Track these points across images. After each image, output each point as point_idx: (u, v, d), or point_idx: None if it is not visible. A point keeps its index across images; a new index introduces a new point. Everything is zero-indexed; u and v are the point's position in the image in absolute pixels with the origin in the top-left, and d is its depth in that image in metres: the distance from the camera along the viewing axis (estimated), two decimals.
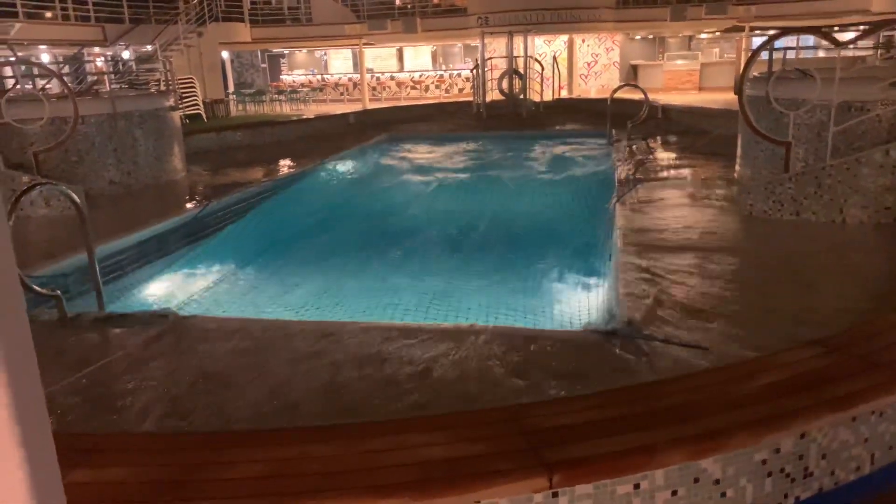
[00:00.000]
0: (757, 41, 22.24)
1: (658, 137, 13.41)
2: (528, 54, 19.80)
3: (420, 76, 29.35)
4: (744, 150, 8.63)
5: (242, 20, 24.46)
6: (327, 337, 4.19)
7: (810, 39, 9.43)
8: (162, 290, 6.77)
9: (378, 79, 29.20)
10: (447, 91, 28.64)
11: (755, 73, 7.94)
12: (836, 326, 3.70)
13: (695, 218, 6.90)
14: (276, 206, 9.73)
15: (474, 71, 20.06)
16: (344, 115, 18.98)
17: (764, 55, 7.60)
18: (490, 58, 20.03)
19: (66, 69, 17.84)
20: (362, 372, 3.66)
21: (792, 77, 7.61)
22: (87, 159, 9.72)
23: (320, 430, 2.84)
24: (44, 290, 4.80)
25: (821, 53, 14.21)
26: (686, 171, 9.72)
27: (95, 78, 17.17)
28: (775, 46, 7.72)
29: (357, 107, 22.90)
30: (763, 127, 7.21)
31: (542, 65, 20.25)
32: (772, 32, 7.76)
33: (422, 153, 14.90)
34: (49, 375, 3.83)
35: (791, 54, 8.12)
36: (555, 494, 2.32)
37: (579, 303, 5.94)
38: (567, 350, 3.81)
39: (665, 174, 9.48)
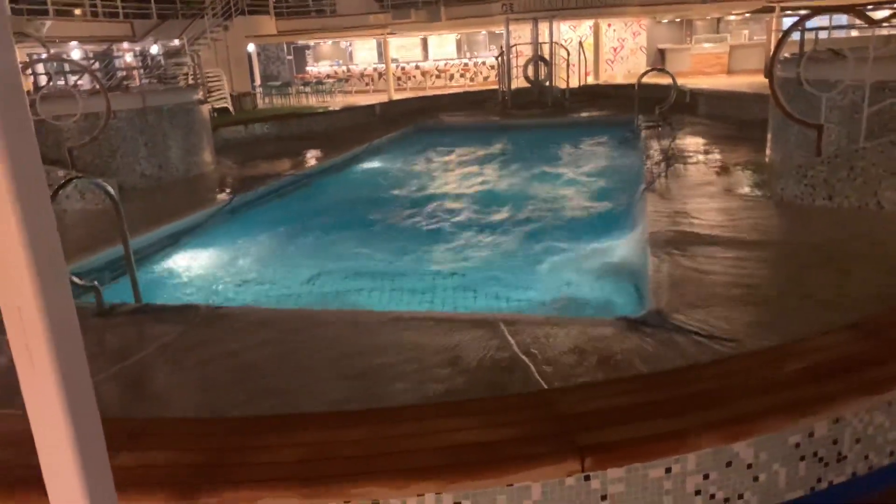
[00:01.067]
0: (788, 21, 21.80)
1: (686, 122, 13.25)
2: (554, 40, 19.64)
3: (445, 65, 29.28)
4: (774, 134, 8.50)
5: (268, 13, 24.61)
6: (357, 325, 4.25)
7: (843, 18, 9.20)
8: (196, 280, 6.89)
9: (403, 68, 29.19)
10: (472, 80, 28.54)
11: (786, 55, 7.80)
12: (870, 312, 3.66)
13: (724, 203, 6.83)
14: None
15: (499, 59, 19.96)
16: (370, 107, 19.04)
17: (795, 36, 7.47)
18: (515, 45, 19.92)
19: (97, 65, 18.12)
20: (393, 359, 3.71)
21: (824, 58, 7.46)
22: (120, 153, 9.90)
23: (353, 414, 2.90)
24: (82, 282, 4.92)
25: (854, 33, 13.89)
26: (715, 156, 9.61)
27: (125, 73, 17.46)
28: (807, 26, 7.57)
29: (382, 97, 22.95)
30: (794, 109, 7.10)
31: (567, 51, 20.08)
32: (803, 12, 7.62)
33: (452, 143, 14.92)
34: (89, 364, 3.93)
35: (823, 34, 7.94)
36: (587, 478, 2.34)
37: (608, 290, 5.92)
38: (597, 338, 3.81)
39: (693, 159, 9.37)
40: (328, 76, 29.08)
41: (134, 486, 2.18)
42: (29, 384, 1.51)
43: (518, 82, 19.48)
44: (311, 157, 12.38)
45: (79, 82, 12.00)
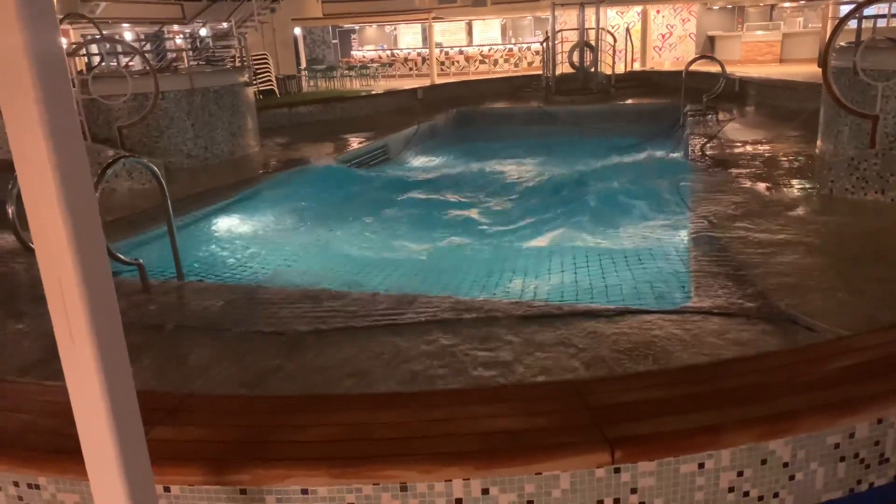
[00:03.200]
0: (844, 9, 21.02)
1: (735, 111, 12.93)
2: (600, 26, 19.32)
3: (489, 50, 29.07)
4: (826, 125, 8.23)
5: None
6: (401, 305, 4.27)
7: None
8: (241, 257, 7.01)
9: (447, 53, 29.08)
10: (516, 65, 28.28)
11: (841, 43, 7.53)
12: None
13: (772, 195, 6.66)
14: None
15: (544, 44, 19.73)
16: (413, 91, 19.04)
17: (852, 23, 7.20)
18: (561, 30, 19.65)
19: (148, 46, 18.48)
20: (431, 344, 3.72)
21: (882, 46, 7.19)
22: (167, 134, 10.10)
23: (388, 396, 2.92)
24: (127, 259, 5.04)
25: None
26: (763, 147, 9.36)
27: (174, 55, 17.75)
28: (864, 14, 7.30)
29: (426, 81, 22.91)
30: (849, 100, 6.86)
31: (614, 37, 19.73)
32: None
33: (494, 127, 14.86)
34: (130, 339, 4.04)
35: (882, 22, 7.65)
36: (617, 470, 2.32)
37: (651, 280, 5.84)
38: (637, 329, 3.77)
39: (741, 150, 9.16)
40: (372, 60, 29.13)
41: (169, 460, 2.23)
42: (69, 357, 1.56)
43: (562, 68, 19.24)
44: (354, 140, 12.45)
45: (129, 63, 12.27)
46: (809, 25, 25.69)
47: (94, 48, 13.53)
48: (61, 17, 14.11)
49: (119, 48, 12.98)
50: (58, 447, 2.27)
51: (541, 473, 2.28)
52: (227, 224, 7.69)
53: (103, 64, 11.64)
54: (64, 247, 1.48)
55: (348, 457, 2.29)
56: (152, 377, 3.51)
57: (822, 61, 7.02)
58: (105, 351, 1.55)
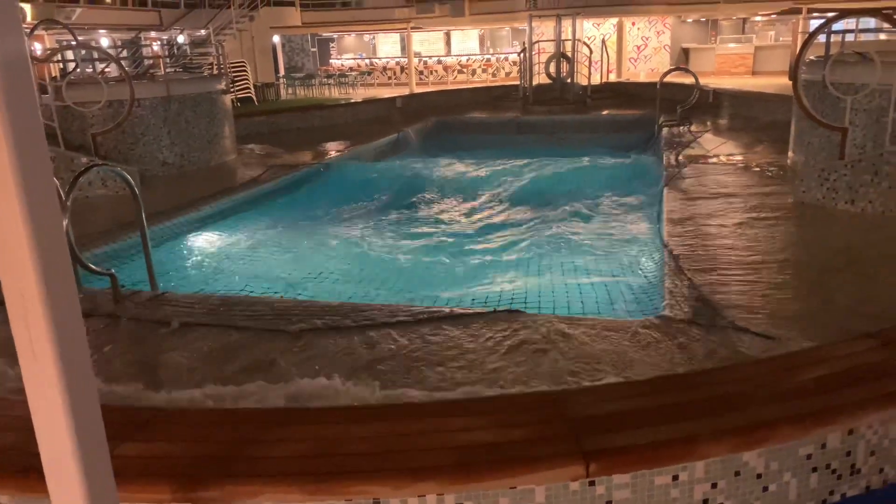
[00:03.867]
0: (814, 24, 21.45)
1: (708, 122, 13.10)
2: (577, 38, 19.50)
3: (467, 60, 29.22)
4: (797, 136, 8.37)
5: (293, 4, 24.68)
6: (373, 317, 4.24)
7: (871, 22, 9.04)
8: (212, 266, 6.93)
9: (425, 63, 29.17)
10: (494, 75, 28.44)
11: (811, 57, 7.67)
12: (893, 319, 3.58)
13: (745, 205, 6.74)
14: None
15: (521, 55, 19.86)
16: (391, 99, 19.05)
17: (821, 38, 7.34)
18: (538, 41, 19.79)
19: (124, 53, 18.29)
20: (407, 354, 3.70)
21: (850, 60, 7.33)
22: (143, 141, 9.98)
23: (360, 410, 2.89)
24: (99, 269, 4.96)
25: (882, 36, 13.64)
26: (737, 157, 9.49)
27: (151, 62, 17.59)
28: (833, 29, 7.44)
29: (404, 90, 22.94)
30: (819, 112, 6.98)
31: (590, 48, 19.92)
32: (830, 14, 7.48)
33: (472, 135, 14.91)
34: (100, 351, 3.97)
35: (850, 37, 7.80)
36: (591, 483, 2.31)
37: (624, 291, 5.87)
38: (613, 337, 3.78)
39: (715, 160, 9.27)
40: (351, 69, 29.13)
41: (137, 477, 2.18)
42: (30, 374, 1.51)
43: (540, 78, 19.37)
44: (331, 149, 12.40)
45: (105, 70, 12.13)
46: (780, 39, 26.21)
47: (69, 54, 13.35)
48: (36, 22, 13.92)
49: (94, 54, 12.83)
50: (21, 465, 2.21)
51: (516, 487, 2.27)
52: (205, 237, 7.61)
53: (78, 70, 11.48)
54: (26, 258, 1.44)
55: (321, 472, 2.25)
56: (120, 389, 3.44)
57: (793, 74, 7.13)
58: (69, 367, 1.51)
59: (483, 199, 9.89)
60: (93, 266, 4.95)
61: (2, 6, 1.38)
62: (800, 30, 22.34)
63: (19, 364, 1.51)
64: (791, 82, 7.30)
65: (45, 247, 1.45)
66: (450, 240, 7.82)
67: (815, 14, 21.29)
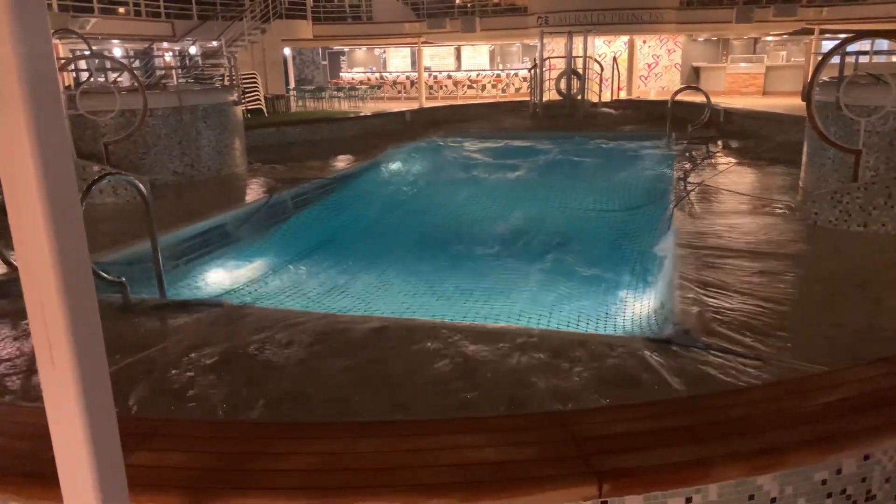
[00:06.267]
0: (827, 45, 21.48)
1: (719, 142, 13.09)
2: (588, 54, 19.59)
3: (477, 75, 29.35)
4: (809, 158, 8.35)
5: (305, 17, 24.89)
6: (377, 332, 4.23)
7: (885, 44, 9.05)
8: (221, 278, 6.94)
9: (435, 77, 29.32)
10: (504, 91, 28.56)
11: (824, 78, 7.67)
12: None
13: (756, 226, 6.71)
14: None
15: (532, 71, 19.94)
16: (401, 113, 19.13)
17: (835, 59, 7.34)
18: (548, 58, 19.89)
19: (137, 63, 18.46)
20: (410, 368, 3.68)
21: (864, 82, 7.33)
22: (154, 151, 10.04)
23: (370, 425, 2.87)
24: (109, 277, 4.97)
25: (895, 58, 13.63)
26: (747, 178, 9.47)
27: (163, 72, 17.74)
28: (847, 50, 7.45)
29: (414, 104, 23.05)
30: (832, 134, 6.97)
31: (601, 65, 20.00)
32: (844, 36, 7.49)
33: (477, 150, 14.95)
34: (111, 359, 3.97)
35: (864, 58, 7.81)
36: (604, 503, 2.29)
37: (632, 309, 5.85)
38: (619, 357, 3.75)
39: (725, 180, 9.25)
40: (361, 82, 29.30)
41: (145, 487, 2.17)
42: (48, 381, 1.51)
43: (550, 95, 19.44)
44: (341, 161, 12.44)
45: (118, 79, 12.23)
46: (792, 59, 26.25)
47: (82, 64, 13.48)
48: (51, 31, 14.05)
49: (108, 64, 12.94)
50: (32, 471, 2.21)
51: None
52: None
53: (91, 79, 11.57)
54: (48, 267, 1.44)
55: (327, 487, 2.24)
56: (129, 399, 3.43)
57: (807, 96, 7.13)
58: (86, 375, 1.51)
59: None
60: (103, 273, 4.96)
61: (32, 17, 1.39)
62: (812, 50, 22.39)
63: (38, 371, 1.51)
64: (804, 103, 7.30)
65: (66, 257, 1.46)
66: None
67: (828, 35, 21.32)
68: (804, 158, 8.52)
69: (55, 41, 17.48)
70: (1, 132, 1.41)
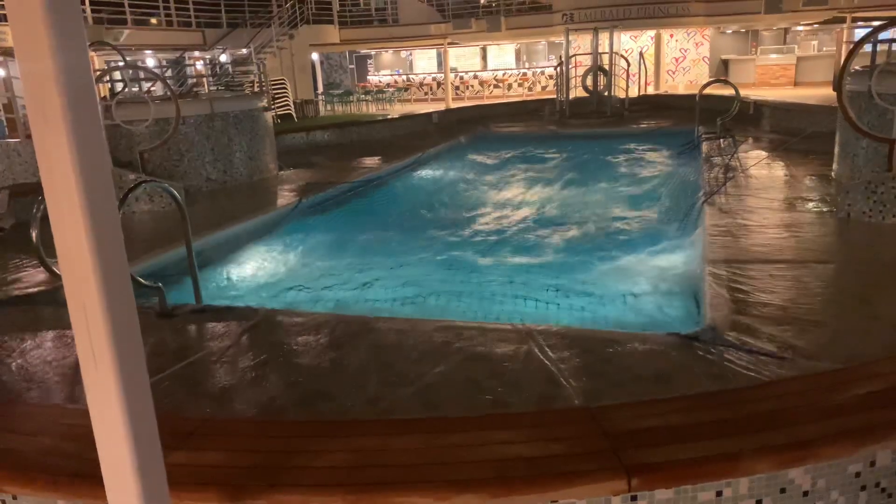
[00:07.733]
0: (859, 33, 21.04)
1: (749, 134, 12.91)
2: (614, 50, 19.45)
3: (503, 74, 29.33)
4: (842, 148, 8.20)
5: (332, 22, 25.12)
6: (407, 333, 4.28)
7: None
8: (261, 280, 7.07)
9: (461, 78, 29.36)
10: (530, 89, 28.49)
11: (856, 67, 7.53)
12: None
13: (788, 219, 6.62)
14: None
15: (558, 68, 19.87)
16: (428, 115, 19.21)
17: (867, 47, 7.20)
18: (574, 55, 19.79)
19: (169, 72, 18.82)
20: (441, 368, 3.72)
21: None
22: (187, 158, 10.24)
23: (402, 422, 2.92)
24: (147, 282, 5.10)
25: None
26: (779, 170, 9.33)
27: (195, 80, 18.05)
28: (880, 38, 7.30)
29: (440, 106, 23.11)
30: (865, 123, 6.84)
31: (627, 61, 19.83)
32: (877, 23, 7.35)
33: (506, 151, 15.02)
34: (150, 363, 4.07)
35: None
36: (633, 498, 2.31)
37: (662, 305, 5.81)
38: (648, 353, 3.75)
39: (756, 173, 9.13)
40: (388, 85, 29.47)
41: (186, 485, 2.25)
42: (91, 383, 1.58)
43: (576, 92, 19.34)
44: (370, 163, 12.55)
45: (152, 89, 12.49)
46: (824, 49, 25.72)
47: (116, 75, 13.79)
48: (88, 44, 14.40)
49: (141, 74, 13.22)
50: (78, 471, 2.30)
51: (557, 501, 2.27)
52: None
53: (126, 90, 11.84)
54: (89, 273, 1.51)
55: (363, 483, 2.29)
56: (169, 401, 3.53)
57: (838, 85, 7.00)
58: (127, 375, 1.58)
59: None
60: (141, 279, 5.09)
61: (69, 31, 1.46)
62: (844, 39, 21.92)
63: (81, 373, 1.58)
64: (835, 93, 7.17)
65: (106, 264, 1.53)
66: None
67: (860, 23, 20.87)
68: (836, 149, 8.37)
69: (91, 53, 17.91)
70: (44, 145, 1.48)
